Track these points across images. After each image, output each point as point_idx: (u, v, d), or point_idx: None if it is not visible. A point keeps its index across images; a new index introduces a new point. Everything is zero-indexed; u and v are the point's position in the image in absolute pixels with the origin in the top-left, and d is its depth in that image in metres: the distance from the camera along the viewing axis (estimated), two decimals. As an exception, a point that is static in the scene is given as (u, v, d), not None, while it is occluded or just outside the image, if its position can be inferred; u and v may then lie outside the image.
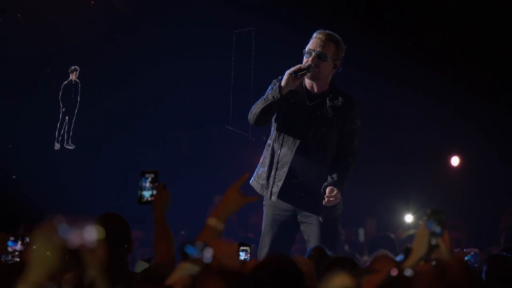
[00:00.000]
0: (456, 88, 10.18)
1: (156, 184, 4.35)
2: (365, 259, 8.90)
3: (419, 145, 10.54)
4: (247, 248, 4.87)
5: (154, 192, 4.35)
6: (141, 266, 5.00)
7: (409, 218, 10.64)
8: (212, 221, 3.99)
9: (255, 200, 4.12)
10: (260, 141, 9.79)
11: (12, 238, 4.23)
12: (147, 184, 4.35)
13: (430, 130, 10.56)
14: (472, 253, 5.54)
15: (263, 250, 6.65)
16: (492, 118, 10.35)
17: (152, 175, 4.36)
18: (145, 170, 4.36)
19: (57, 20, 10.79)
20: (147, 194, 4.35)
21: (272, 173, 6.66)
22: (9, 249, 4.21)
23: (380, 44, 10.11)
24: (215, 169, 10.80)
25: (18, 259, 4.17)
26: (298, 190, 6.63)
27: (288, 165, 6.60)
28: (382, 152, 10.42)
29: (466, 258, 5.42)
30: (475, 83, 10.19)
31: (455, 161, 10.78)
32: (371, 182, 10.53)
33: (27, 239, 4.20)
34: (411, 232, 9.91)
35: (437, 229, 3.62)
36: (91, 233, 2.76)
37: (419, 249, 3.59)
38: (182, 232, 10.72)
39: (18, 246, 4.21)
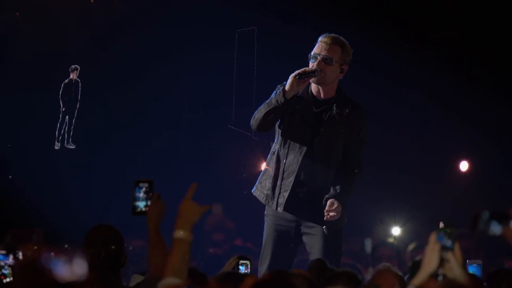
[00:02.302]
0: (464, 91, 10.05)
1: (151, 194, 4.21)
2: (371, 271, 8.75)
3: (427, 150, 10.42)
4: (247, 262, 4.73)
5: (149, 202, 4.21)
6: (136, 280, 4.89)
7: (395, 230, 10.48)
8: (178, 234, 3.89)
9: (208, 209, 4.05)
10: (262, 140, 9.72)
11: (3, 252, 4.06)
12: (141, 194, 4.21)
13: (439, 134, 10.44)
14: (476, 264, 5.32)
15: (264, 262, 6.47)
16: (502, 122, 10.24)
17: (147, 185, 4.21)
18: (140, 180, 4.22)
19: (57, 19, 10.77)
20: (141, 204, 4.22)
21: (278, 183, 6.47)
22: (1, 263, 4.05)
23: (387, 47, 10.00)
24: (217, 169, 10.74)
25: (8, 275, 4.00)
26: (303, 200, 6.42)
27: (294, 175, 6.41)
28: (387, 156, 10.30)
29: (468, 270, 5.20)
30: (485, 86, 10.06)
31: (463, 166, 10.61)
32: (374, 187, 10.38)
33: (20, 254, 4.04)
34: (413, 245, 9.73)
35: (448, 242, 3.49)
36: (81, 266, 2.62)
37: (429, 264, 3.45)
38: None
39: (10, 260, 4.05)
